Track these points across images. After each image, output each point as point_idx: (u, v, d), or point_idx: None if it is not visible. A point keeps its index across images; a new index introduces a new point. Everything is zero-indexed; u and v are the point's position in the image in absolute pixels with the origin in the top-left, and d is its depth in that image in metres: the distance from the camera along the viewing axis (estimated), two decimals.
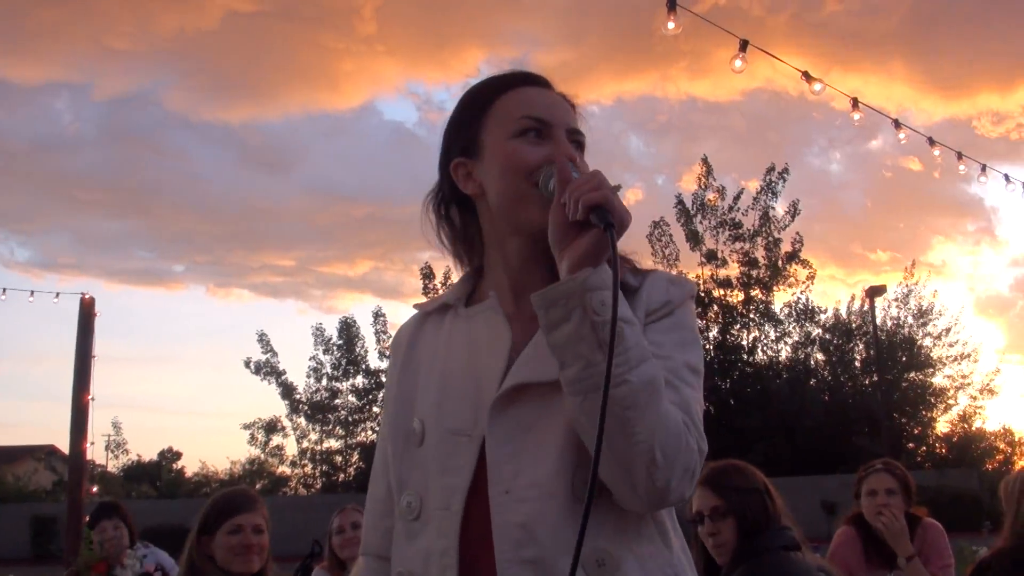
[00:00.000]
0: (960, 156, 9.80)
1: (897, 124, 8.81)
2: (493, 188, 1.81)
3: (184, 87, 51.97)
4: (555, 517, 1.61)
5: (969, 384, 41.29)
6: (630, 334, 1.56)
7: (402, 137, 54.59)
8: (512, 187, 1.77)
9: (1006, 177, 11.10)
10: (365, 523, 2.00)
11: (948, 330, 41.00)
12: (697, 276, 38.27)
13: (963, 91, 44.89)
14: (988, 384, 41.33)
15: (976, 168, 10.44)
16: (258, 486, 41.39)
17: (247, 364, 40.83)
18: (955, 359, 41.07)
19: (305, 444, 42.30)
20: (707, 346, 37.92)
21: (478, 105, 1.88)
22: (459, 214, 1.94)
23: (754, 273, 38.16)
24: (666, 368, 1.64)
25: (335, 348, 41.92)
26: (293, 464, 43.14)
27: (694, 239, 38.31)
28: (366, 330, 42.68)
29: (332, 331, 42.54)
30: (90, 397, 13.55)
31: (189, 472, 50.23)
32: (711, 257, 38.22)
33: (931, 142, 9.37)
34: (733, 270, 38.45)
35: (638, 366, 1.54)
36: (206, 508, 3.79)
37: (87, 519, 6.31)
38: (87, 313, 13.92)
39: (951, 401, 41.56)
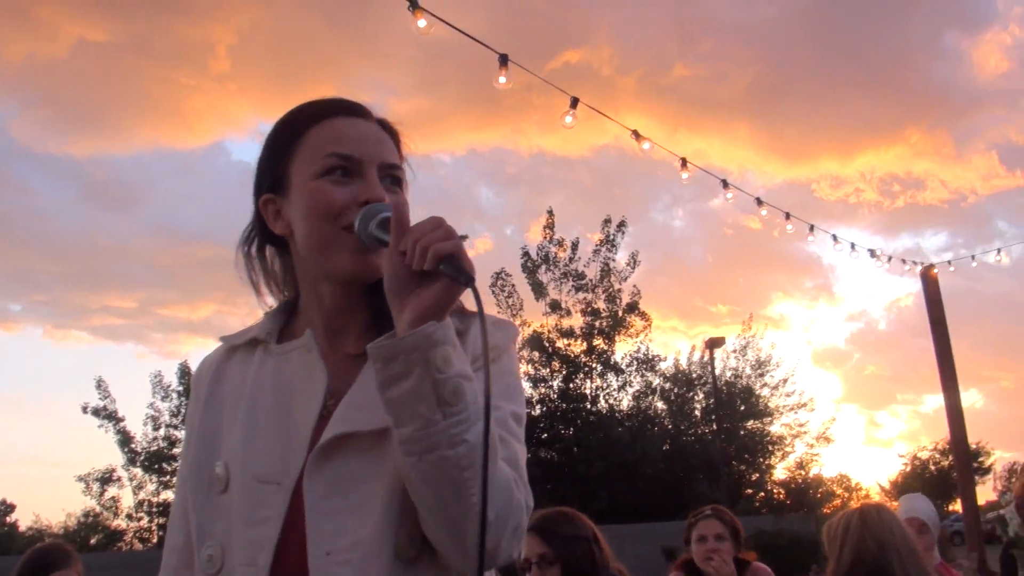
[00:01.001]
0: (788, 216, 10.18)
1: (725, 184, 9.06)
2: (299, 230, 1.71)
3: (29, 117, 49.87)
4: None
5: (806, 432, 42.53)
6: (469, 391, 1.48)
7: (250, 178, 53.69)
8: (317, 231, 1.67)
9: (834, 237, 11.58)
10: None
11: (785, 380, 42.18)
12: (542, 326, 38.61)
13: (804, 156, 46.94)
14: (824, 432, 42.68)
15: (806, 228, 10.87)
16: (93, 540, 39.90)
17: (85, 410, 39.44)
18: (792, 408, 42.25)
19: (142, 495, 40.66)
20: (551, 395, 38.25)
21: (287, 137, 1.77)
22: (272, 252, 1.86)
23: (597, 323, 38.66)
24: (494, 420, 1.52)
25: (174, 395, 40.74)
26: (129, 517, 41.49)
27: (538, 290, 38.67)
28: None
29: (172, 377, 41.43)
30: None
31: (23, 526, 48.21)
32: (555, 307, 38.60)
33: (759, 202, 9.69)
34: (576, 320, 38.91)
35: (475, 424, 1.46)
36: (19, 566, 3.67)
37: None
38: None
39: (788, 448, 42.69)
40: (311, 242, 1.69)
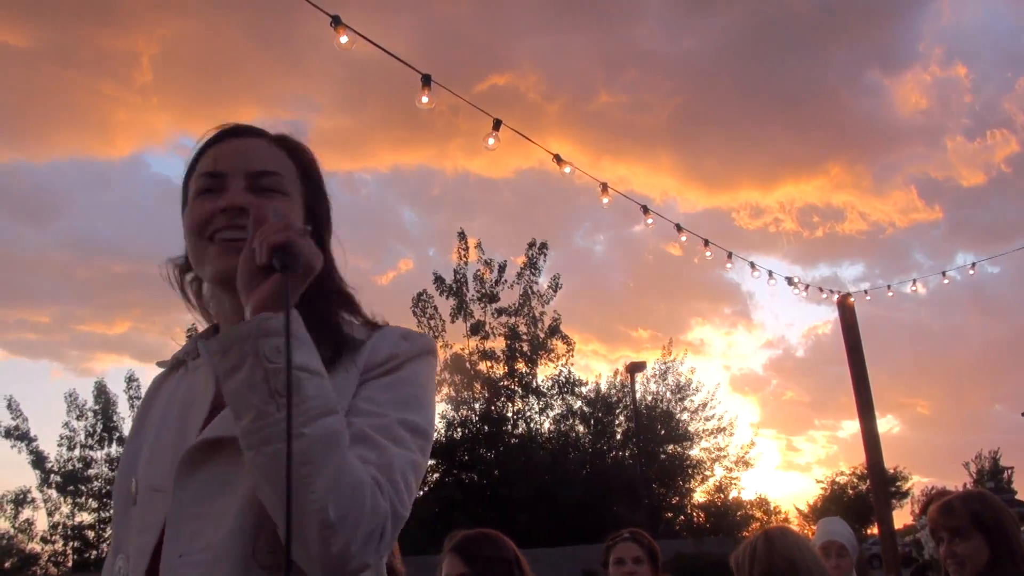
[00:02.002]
0: (707, 243, 10.23)
1: (645, 210, 9.08)
2: (187, 248, 1.79)
3: None
4: None
5: (725, 456, 42.99)
6: (310, 385, 1.46)
7: (168, 192, 52.20)
8: (191, 246, 1.74)
9: (751, 264, 11.68)
10: None
11: (704, 405, 42.66)
12: (463, 348, 38.58)
13: (725, 185, 47.73)
14: (743, 456, 43.15)
15: (725, 255, 10.95)
16: (7, 564, 38.92)
17: None
18: (711, 432, 42.70)
19: (57, 518, 39.56)
20: (473, 418, 38.18)
21: (189, 165, 1.83)
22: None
23: (518, 346, 38.69)
24: (373, 425, 1.55)
25: (90, 414, 39.87)
26: (44, 540, 40.14)
27: (457, 311, 38.63)
28: (122, 395, 40.37)
29: (88, 395, 40.53)
30: None
31: None
32: (476, 330, 38.57)
33: (679, 228, 9.73)
34: (499, 343, 38.92)
35: (318, 419, 1.43)
36: None
37: None
38: None
39: (708, 472, 43.12)
40: (192, 257, 1.76)
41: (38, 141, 50.69)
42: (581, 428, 41.68)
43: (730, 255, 10.93)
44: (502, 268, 39.10)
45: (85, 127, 48.86)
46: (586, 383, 41.91)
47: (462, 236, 39.25)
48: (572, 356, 40.26)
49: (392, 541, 1.50)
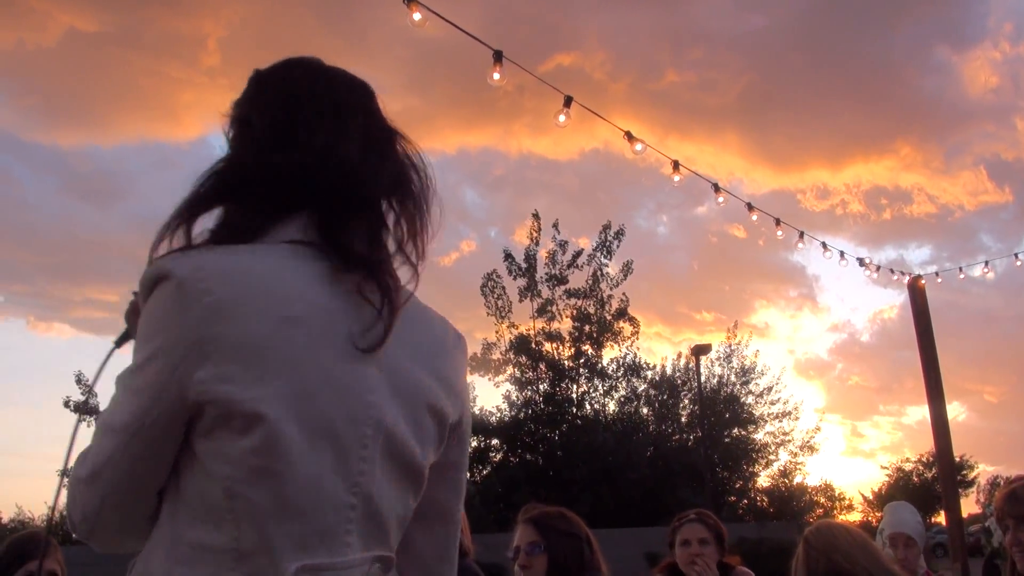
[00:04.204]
0: (778, 222, 10.09)
1: (716, 188, 8.98)
2: None
3: (15, 105, 49.22)
4: None
5: (790, 441, 42.69)
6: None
7: None
8: None
9: (823, 245, 11.52)
10: None
11: (770, 389, 42.35)
12: (528, 329, 38.58)
13: (793, 166, 47.09)
14: (808, 441, 42.82)
15: (795, 235, 10.82)
16: (75, 535, 39.59)
17: (67, 404, 39.18)
18: (776, 417, 42.41)
19: None
20: (536, 398, 38.20)
21: None
22: None
23: (585, 328, 38.61)
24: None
25: None
26: None
27: (527, 291, 38.60)
28: None
29: None
30: None
31: (5, 518, 47.99)
32: (543, 311, 38.53)
33: (749, 207, 9.62)
34: (565, 324, 38.87)
35: None
36: None
37: None
38: None
39: (772, 457, 42.86)
40: None
41: (106, 124, 51.24)
42: (645, 411, 41.62)
43: (802, 235, 10.80)
44: (577, 253, 39.00)
45: (152, 110, 49.22)
46: (652, 366, 41.84)
47: (536, 216, 39.20)
48: (638, 339, 40.18)
49: (85, 516, 1.61)
